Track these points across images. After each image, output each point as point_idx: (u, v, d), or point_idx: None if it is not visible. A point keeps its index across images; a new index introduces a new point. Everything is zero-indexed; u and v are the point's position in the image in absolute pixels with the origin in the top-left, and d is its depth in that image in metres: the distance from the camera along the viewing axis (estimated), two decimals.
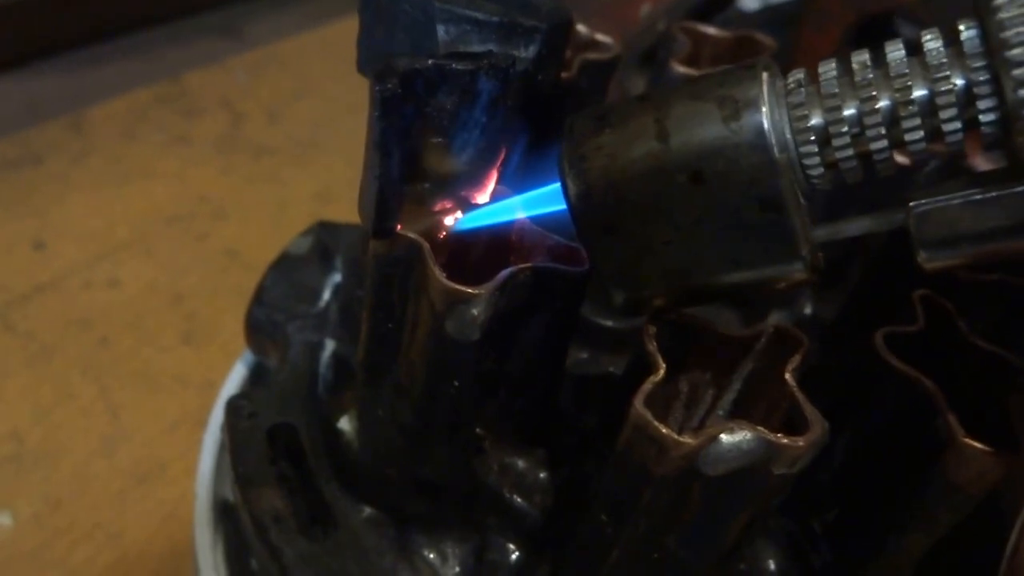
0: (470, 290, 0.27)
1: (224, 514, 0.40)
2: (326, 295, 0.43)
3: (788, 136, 0.23)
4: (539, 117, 0.31)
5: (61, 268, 0.79)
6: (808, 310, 0.44)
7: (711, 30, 0.42)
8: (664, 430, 0.24)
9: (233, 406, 0.36)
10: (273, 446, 0.35)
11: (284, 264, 0.44)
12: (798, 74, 0.24)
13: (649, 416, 0.24)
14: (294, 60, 1.17)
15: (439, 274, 0.27)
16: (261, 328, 0.42)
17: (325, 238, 0.44)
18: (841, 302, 0.42)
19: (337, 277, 0.43)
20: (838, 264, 0.41)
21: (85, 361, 0.71)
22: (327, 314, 0.42)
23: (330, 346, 0.40)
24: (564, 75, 0.34)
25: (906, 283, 0.31)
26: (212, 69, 1.12)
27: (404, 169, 0.28)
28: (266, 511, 0.33)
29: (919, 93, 0.22)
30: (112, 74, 1.09)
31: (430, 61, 0.26)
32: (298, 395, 0.38)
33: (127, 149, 0.96)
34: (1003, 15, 0.20)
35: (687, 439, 0.24)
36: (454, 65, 0.27)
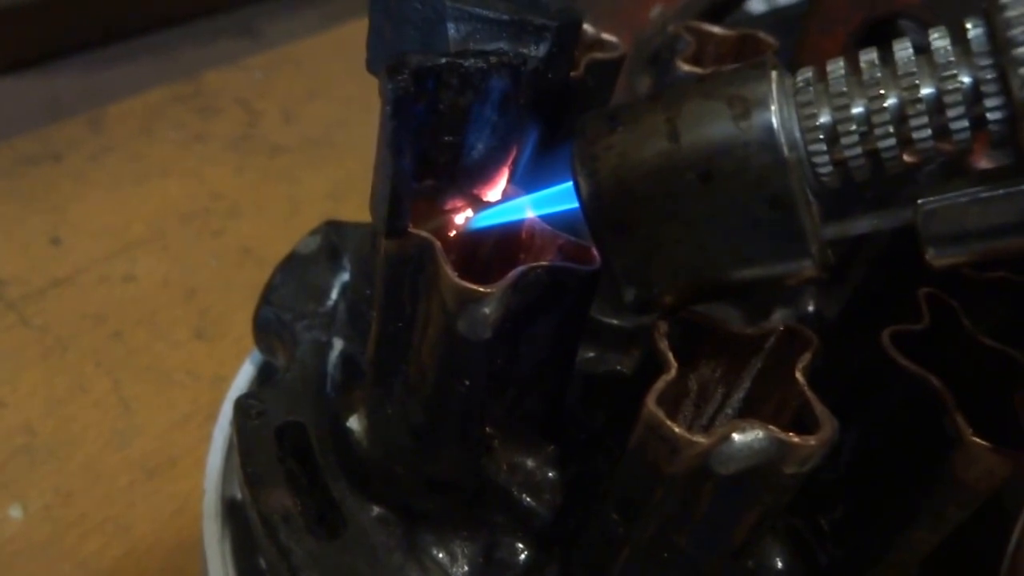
0: (482, 289, 0.27)
1: (232, 512, 0.40)
2: (334, 294, 0.43)
3: (797, 134, 0.23)
4: (550, 116, 0.31)
5: (77, 263, 0.79)
6: (811, 307, 0.44)
7: (715, 29, 0.42)
8: (677, 429, 0.24)
9: (242, 405, 0.36)
10: (281, 445, 0.35)
11: (292, 263, 0.44)
12: (806, 73, 0.24)
13: (662, 415, 0.24)
14: (310, 60, 1.18)
15: (451, 273, 0.27)
16: (269, 327, 0.42)
17: (333, 237, 0.44)
18: (845, 300, 0.42)
19: (345, 276, 0.43)
20: (842, 262, 0.41)
21: (99, 355, 0.71)
22: (335, 313, 0.42)
23: (338, 345, 0.40)
24: (572, 74, 0.34)
25: (911, 281, 0.31)
26: (229, 69, 1.13)
27: (416, 167, 0.28)
28: (275, 510, 0.33)
29: (926, 91, 0.22)
30: (130, 73, 1.10)
31: (442, 59, 0.26)
32: (306, 394, 0.38)
33: (144, 147, 0.96)
34: (1010, 13, 0.20)
35: (699, 438, 0.24)
36: (466, 63, 0.27)
